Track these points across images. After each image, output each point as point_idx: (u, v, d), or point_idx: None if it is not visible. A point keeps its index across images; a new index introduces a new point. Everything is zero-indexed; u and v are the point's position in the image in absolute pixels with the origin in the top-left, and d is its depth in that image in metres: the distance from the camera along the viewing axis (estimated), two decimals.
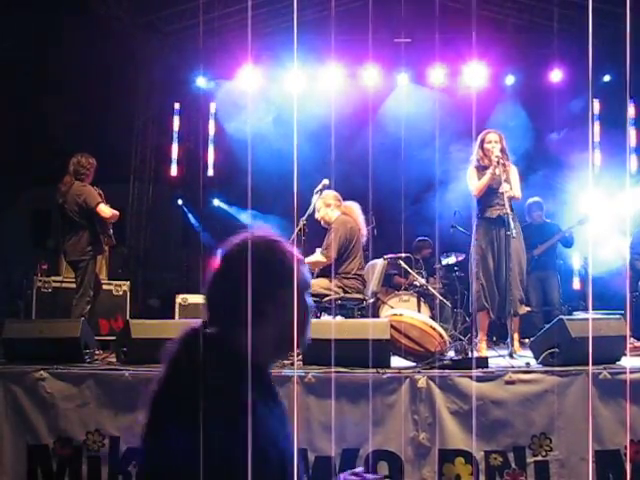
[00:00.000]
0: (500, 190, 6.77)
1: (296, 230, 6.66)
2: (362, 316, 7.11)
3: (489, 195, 6.95)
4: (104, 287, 8.61)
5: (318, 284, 6.99)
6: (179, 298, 8.62)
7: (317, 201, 7.14)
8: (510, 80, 12.29)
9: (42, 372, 5.40)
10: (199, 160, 13.91)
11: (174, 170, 14.05)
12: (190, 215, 14.11)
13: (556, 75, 12.07)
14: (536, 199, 9.56)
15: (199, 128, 14.01)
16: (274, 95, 12.18)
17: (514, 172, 7.06)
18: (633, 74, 10.11)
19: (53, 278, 8.72)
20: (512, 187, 6.89)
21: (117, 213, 7.51)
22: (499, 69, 12.06)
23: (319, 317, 6.97)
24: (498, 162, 6.85)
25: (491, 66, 11.84)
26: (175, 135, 14.06)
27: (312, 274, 7.20)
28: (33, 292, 8.50)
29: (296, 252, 1.98)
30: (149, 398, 1.90)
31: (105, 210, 7.34)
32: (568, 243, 9.42)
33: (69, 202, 7.34)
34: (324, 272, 7.10)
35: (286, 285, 1.90)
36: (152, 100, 13.56)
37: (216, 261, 1.98)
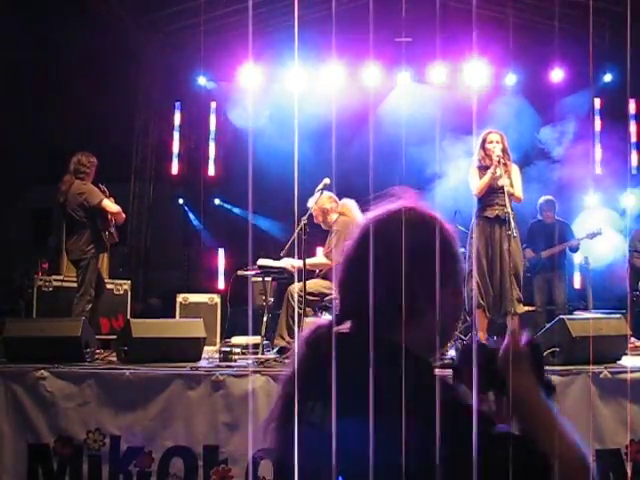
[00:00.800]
0: (499, 184, 6.78)
1: (297, 230, 6.65)
2: None
3: (490, 195, 6.97)
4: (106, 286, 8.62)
5: (320, 284, 7.00)
6: (180, 297, 8.62)
7: (313, 206, 7.11)
8: (511, 79, 12.28)
9: (43, 371, 5.41)
10: (200, 159, 13.93)
11: (175, 169, 14.05)
12: (191, 214, 14.11)
13: (557, 74, 12.06)
14: (548, 197, 9.51)
15: (200, 127, 14.02)
16: (274, 94, 12.18)
17: (516, 172, 7.07)
18: (633, 72, 10.12)
19: (54, 277, 8.73)
20: (514, 187, 6.90)
21: (121, 211, 7.51)
22: (500, 68, 12.06)
23: (320, 316, 6.97)
24: (499, 162, 6.85)
25: (492, 65, 11.84)
26: (176, 134, 14.06)
27: (313, 274, 7.21)
28: (34, 291, 8.50)
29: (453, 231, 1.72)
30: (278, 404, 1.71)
31: (110, 205, 7.36)
32: (575, 250, 9.43)
33: (70, 201, 7.34)
34: (326, 272, 7.11)
35: (448, 273, 1.61)
36: (153, 99, 13.56)
37: (354, 243, 1.70)
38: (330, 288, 6.92)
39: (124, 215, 7.63)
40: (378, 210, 1.70)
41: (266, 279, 7.44)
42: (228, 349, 6.30)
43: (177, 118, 14.02)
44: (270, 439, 1.72)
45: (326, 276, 7.11)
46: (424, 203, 1.71)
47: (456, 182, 8.11)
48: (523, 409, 1.60)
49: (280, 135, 11.22)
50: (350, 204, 7.34)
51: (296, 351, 1.70)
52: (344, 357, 1.55)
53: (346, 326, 1.69)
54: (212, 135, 13.90)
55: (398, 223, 1.60)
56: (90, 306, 7.30)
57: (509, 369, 1.59)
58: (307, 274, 6.62)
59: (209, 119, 13.87)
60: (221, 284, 13.14)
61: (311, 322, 1.74)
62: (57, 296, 8.46)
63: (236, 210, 13.39)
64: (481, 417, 1.45)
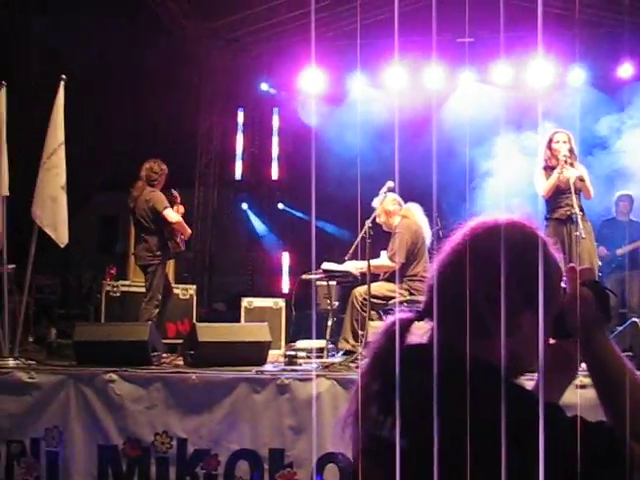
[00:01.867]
0: (566, 175, 6.66)
1: (361, 233, 6.65)
2: None
3: (558, 196, 6.85)
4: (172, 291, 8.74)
5: (384, 287, 6.99)
6: (244, 301, 8.69)
7: (378, 207, 7.11)
8: (577, 76, 12.04)
9: (112, 374, 5.51)
10: (263, 164, 14.04)
11: (238, 174, 14.20)
12: (254, 219, 14.23)
13: (626, 70, 11.79)
14: (626, 192, 9.24)
15: (262, 132, 14.14)
16: (337, 98, 12.20)
17: (584, 172, 6.94)
18: None
19: (121, 282, 8.89)
20: (583, 183, 6.79)
21: (182, 222, 7.58)
22: (565, 65, 11.84)
23: (384, 320, 6.95)
24: (566, 162, 6.74)
25: (556, 62, 11.63)
26: (239, 139, 14.21)
27: (378, 277, 7.20)
28: (102, 296, 8.67)
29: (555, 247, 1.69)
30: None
31: (171, 215, 7.44)
32: None
33: (139, 207, 7.48)
34: (390, 275, 7.10)
35: (548, 287, 1.55)
36: (215, 105, 13.72)
37: (447, 252, 1.68)
38: (394, 291, 6.90)
39: (187, 228, 7.70)
40: (478, 219, 1.68)
41: (330, 283, 7.45)
42: (293, 353, 6.31)
43: (240, 123, 14.17)
44: (346, 435, 1.68)
45: (390, 279, 7.10)
46: (525, 216, 1.68)
47: (523, 184, 8.00)
48: (602, 371, 1.59)
49: (343, 139, 11.24)
50: (414, 208, 7.32)
51: (373, 344, 1.68)
52: (422, 369, 1.53)
53: (421, 325, 1.67)
54: (275, 140, 14.01)
55: (498, 234, 1.57)
56: (157, 311, 7.42)
57: (576, 312, 1.58)
58: (371, 277, 6.62)
59: (271, 124, 13.99)
60: (285, 288, 13.21)
61: (390, 317, 1.71)
62: (124, 301, 8.61)
63: (299, 214, 13.44)
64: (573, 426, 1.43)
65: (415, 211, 7.30)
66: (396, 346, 1.60)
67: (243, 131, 14.17)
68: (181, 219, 7.56)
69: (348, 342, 6.85)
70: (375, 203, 7.09)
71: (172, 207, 7.57)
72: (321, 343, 6.95)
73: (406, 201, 7.44)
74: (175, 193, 7.70)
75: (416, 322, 1.68)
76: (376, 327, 6.00)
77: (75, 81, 6.98)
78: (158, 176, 7.61)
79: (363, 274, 6.83)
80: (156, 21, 12.29)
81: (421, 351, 1.59)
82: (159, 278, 7.43)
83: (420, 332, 1.68)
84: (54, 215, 6.47)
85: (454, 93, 12.19)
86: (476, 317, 1.54)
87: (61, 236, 6.50)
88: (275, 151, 14.09)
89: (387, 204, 7.25)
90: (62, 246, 6.57)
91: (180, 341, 7.54)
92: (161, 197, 7.47)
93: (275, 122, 14.01)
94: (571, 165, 6.79)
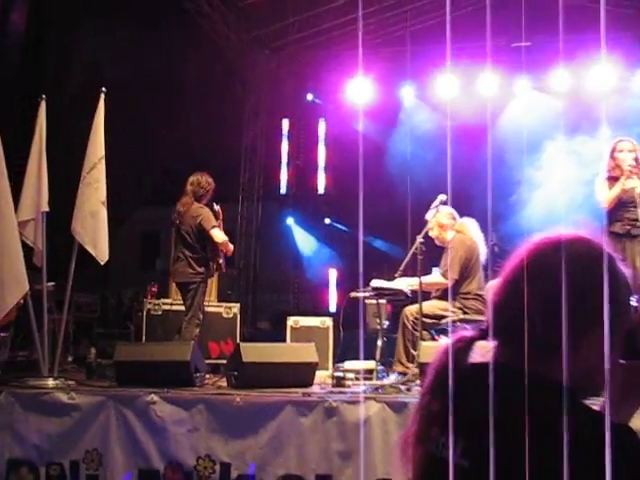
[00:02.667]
0: (630, 185, 6.55)
1: (412, 249, 6.62)
2: None
3: (619, 209, 6.72)
4: (213, 310, 8.77)
5: (436, 305, 6.94)
6: (290, 320, 8.67)
7: (431, 220, 7.08)
8: None
9: (153, 396, 5.54)
10: (309, 177, 14.07)
11: (283, 188, 14.25)
12: (300, 234, 14.25)
13: None
14: None
15: (308, 144, 14.17)
16: (386, 108, 12.19)
17: None
18: None
19: (163, 300, 8.94)
20: None
21: (227, 242, 7.59)
22: (629, 69, 11.65)
23: (437, 340, 6.90)
24: (631, 172, 6.62)
25: (619, 66, 11.45)
26: (284, 151, 14.27)
27: (429, 295, 7.15)
28: (143, 315, 8.73)
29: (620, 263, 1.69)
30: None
31: (218, 235, 7.44)
32: None
33: (185, 223, 7.50)
34: (443, 293, 7.05)
35: (614, 302, 1.54)
36: (260, 117, 13.81)
37: (511, 268, 1.69)
38: (447, 310, 6.84)
39: (231, 247, 7.71)
40: (541, 235, 1.68)
41: (380, 301, 7.40)
42: (341, 374, 6.28)
43: (285, 135, 14.24)
44: (400, 459, 1.69)
45: (443, 297, 7.04)
46: (590, 231, 1.67)
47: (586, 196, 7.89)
48: None
49: (392, 150, 11.24)
50: (469, 223, 7.25)
51: (434, 362, 1.68)
52: (486, 388, 1.51)
53: (484, 344, 1.66)
54: (321, 151, 14.04)
55: (562, 249, 1.57)
56: (199, 330, 7.44)
57: None
58: (423, 295, 6.57)
59: (317, 135, 14.04)
60: (333, 306, 13.19)
61: (455, 334, 1.71)
62: (166, 320, 8.66)
63: (347, 229, 13.43)
64: None
65: (470, 226, 7.24)
66: (459, 365, 1.61)
67: (288, 143, 14.23)
68: (227, 239, 7.58)
69: (402, 364, 6.80)
70: (428, 216, 7.07)
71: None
72: (370, 364, 6.91)
73: (460, 215, 7.38)
74: (217, 208, 7.71)
75: (479, 341, 1.67)
76: (429, 347, 5.95)
77: (117, 95, 7.09)
78: (205, 191, 7.63)
79: (414, 292, 6.79)
80: (199, 32, 12.44)
81: (485, 370, 1.56)
82: (201, 296, 7.45)
83: (483, 351, 1.68)
84: (94, 231, 6.55)
85: (510, 102, 12.07)
86: (542, 336, 1.54)
87: (101, 253, 6.58)
88: (321, 163, 14.13)
89: (441, 217, 7.20)
90: (102, 263, 6.64)
91: (223, 361, 7.55)
92: (210, 215, 7.49)
93: (321, 133, 14.07)
94: (637, 175, 6.67)
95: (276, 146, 14.17)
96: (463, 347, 1.65)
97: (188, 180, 7.64)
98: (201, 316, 7.46)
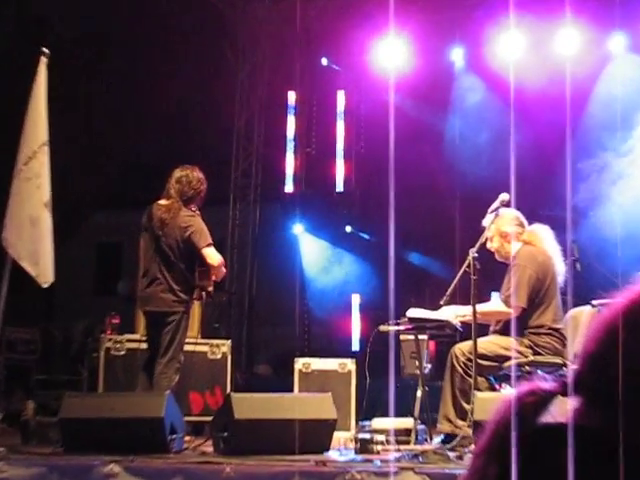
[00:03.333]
0: None
1: (463, 267, 6.57)
2: None
3: None
4: (195, 348, 8.75)
5: (497, 343, 6.88)
6: (299, 363, 8.64)
7: (490, 227, 7.02)
8: None
9: (113, 466, 5.50)
10: (323, 171, 14.05)
11: (289, 186, 14.23)
12: (312, 246, 14.22)
13: None
14: None
15: (323, 125, 14.15)
16: (428, 76, 12.17)
17: None
18: None
19: (127, 336, 8.91)
20: None
21: (223, 264, 7.55)
22: None
23: (498, 390, 6.85)
24: None
25: None
26: (290, 136, 14.24)
27: (487, 329, 7.12)
28: (100, 356, 8.72)
29: None
30: None
31: (212, 255, 7.38)
32: None
33: (169, 234, 7.41)
34: (505, 326, 6.99)
35: None
36: (258, 89, 13.80)
37: (616, 310, 1.75)
38: (511, 349, 6.79)
39: (224, 271, 7.69)
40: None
41: (420, 337, 7.37)
42: (367, 436, 6.26)
43: (290, 115, 14.20)
44: None
45: (505, 331, 6.99)
46: None
47: None
48: None
49: (437, 132, 11.21)
50: (542, 232, 7.17)
51: (494, 416, 1.70)
52: (563, 453, 1.55)
53: (562, 403, 1.69)
54: (339, 135, 14.00)
55: None
56: (178, 377, 7.42)
57: None
58: (479, 329, 6.52)
59: (335, 113, 13.99)
60: (356, 344, 13.16)
61: (523, 386, 1.74)
62: (132, 363, 8.63)
63: (374, 239, 13.39)
64: None
65: (543, 235, 7.16)
66: (527, 425, 1.63)
67: (295, 124, 14.21)
68: (221, 261, 7.53)
69: (450, 422, 6.75)
70: (485, 222, 7.00)
71: None
72: (407, 423, 6.87)
73: (528, 221, 7.34)
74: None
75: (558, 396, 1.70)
76: (487, 400, 5.92)
77: (64, 58, 7.07)
78: (196, 192, 7.53)
79: (467, 324, 6.76)
80: None
81: (563, 434, 1.58)
82: (183, 332, 7.42)
83: (560, 410, 1.70)
84: (34, 243, 6.52)
85: (598, 67, 11.98)
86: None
87: (44, 273, 6.56)
88: (340, 150, 14.08)
89: (503, 224, 7.14)
90: (45, 286, 6.62)
91: (209, 419, 7.53)
92: (203, 227, 7.37)
93: (340, 110, 14.02)
94: None
95: (279, 128, 14.14)
96: (536, 403, 1.67)
97: (172, 176, 7.52)
98: (182, 358, 7.43)
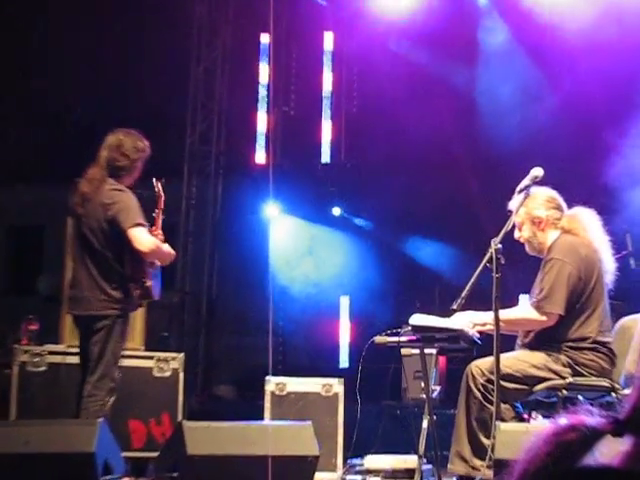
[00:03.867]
0: None
1: (483, 262, 6.53)
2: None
3: None
4: (138, 364, 8.73)
5: (526, 360, 6.86)
6: (271, 383, 8.65)
7: (519, 209, 6.98)
8: None
9: None
10: (304, 137, 14.05)
11: (261, 155, 14.21)
12: (289, 232, 14.21)
13: None
14: None
15: (304, 76, 14.14)
16: (440, 15, 12.17)
17: None
18: None
19: (49, 347, 8.89)
20: None
21: (158, 249, 7.49)
22: None
23: (528, 420, 6.84)
24: None
25: None
26: (262, 92, 14.23)
27: (516, 342, 7.10)
28: (13, 372, 8.69)
29: None
30: None
31: (141, 239, 7.30)
32: None
33: (90, 214, 7.38)
34: (537, 338, 6.98)
35: None
36: (220, 31, 13.78)
37: None
38: (544, 367, 6.78)
39: (168, 251, 7.62)
40: None
41: (427, 351, 7.35)
42: (359, 478, 6.26)
43: (264, 64, 14.19)
44: None
45: (537, 345, 6.97)
46: None
47: None
48: None
49: (450, 87, 11.21)
50: (586, 218, 7.13)
51: (528, 452, 1.73)
52: None
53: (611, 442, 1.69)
54: (326, 88, 13.99)
55: None
56: (113, 400, 7.40)
57: None
58: (503, 341, 6.49)
59: (320, 60, 13.98)
60: (345, 360, 13.18)
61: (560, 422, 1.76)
62: (55, 381, 8.62)
63: (368, 224, 13.38)
64: None
65: (587, 222, 7.12)
66: (568, 466, 1.67)
67: (269, 74, 14.19)
68: (159, 245, 7.46)
69: (464, 460, 6.73)
70: (512, 205, 6.95)
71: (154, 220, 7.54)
72: (409, 461, 6.87)
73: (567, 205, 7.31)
74: (158, 186, 7.66)
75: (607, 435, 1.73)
76: (513, 433, 5.90)
77: None
78: (130, 162, 7.49)
79: (488, 335, 6.73)
80: None
81: (608, 478, 1.63)
82: (116, 342, 7.39)
83: (605, 449, 1.72)
84: None
85: None
86: None
87: None
88: (326, 112, 14.08)
89: (535, 207, 7.10)
90: None
91: (154, 454, 7.52)
92: (132, 203, 7.32)
93: (326, 58, 14.01)
94: None
95: (249, 80, 14.12)
96: (578, 441, 1.70)
97: (104, 142, 7.52)
98: (117, 375, 7.41)
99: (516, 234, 7.08)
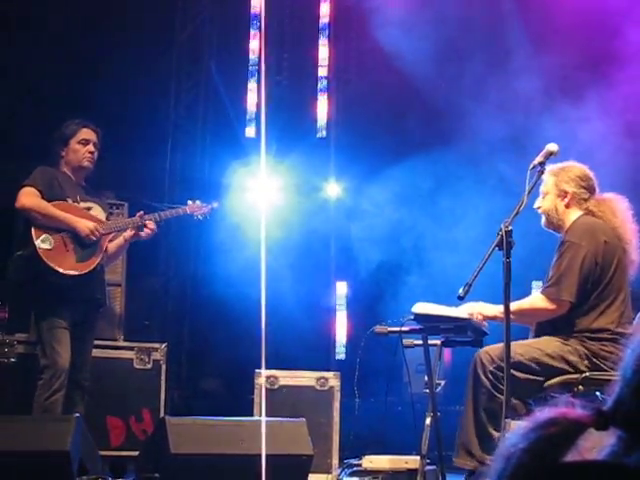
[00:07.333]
0: None
1: (493, 245, 6.52)
2: None
3: None
4: (114, 355, 8.74)
5: (540, 348, 6.86)
6: (262, 377, 8.66)
7: (548, 179, 6.98)
8: None
9: None
10: (300, 109, 14.05)
11: (251, 128, 14.20)
12: (280, 207, 14.19)
13: None
14: None
15: (298, 47, 14.14)
16: None
17: None
18: None
19: (19, 336, 8.88)
20: None
21: (39, 207, 7.64)
22: None
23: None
24: None
25: None
26: (252, 60, 14.23)
27: (530, 333, 7.11)
28: None
29: None
30: None
31: (25, 196, 7.56)
32: None
33: None
34: (553, 325, 6.99)
35: None
36: None
37: None
38: (559, 357, 6.79)
39: (77, 221, 7.74)
40: None
41: (431, 342, 7.35)
42: (356, 479, 6.28)
43: (254, 30, 14.18)
44: None
45: (552, 331, 6.96)
46: None
47: None
48: None
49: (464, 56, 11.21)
50: (617, 204, 7.13)
51: (507, 448, 1.77)
52: None
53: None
54: (322, 56, 13.99)
55: None
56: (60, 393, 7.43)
57: None
58: (515, 331, 6.49)
59: (317, 29, 13.98)
60: (341, 351, 13.18)
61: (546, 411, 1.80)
62: (26, 373, 8.61)
63: (366, 203, 13.37)
64: None
65: (617, 207, 7.11)
66: (546, 461, 1.73)
67: (260, 43, 14.18)
68: (34, 202, 7.63)
69: (471, 455, 6.73)
70: (529, 182, 6.91)
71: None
72: (411, 461, 6.89)
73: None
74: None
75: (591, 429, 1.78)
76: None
77: None
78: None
79: (497, 323, 6.74)
80: None
81: (591, 474, 1.69)
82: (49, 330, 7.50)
83: (588, 444, 1.78)
84: None
85: None
86: None
87: None
88: (322, 82, 14.08)
89: (565, 179, 7.04)
90: None
91: (135, 453, 7.53)
92: (35, 173, 7.63)
93: (323, 22, 13.98)
94: None
95: (238, 47, 14.11)
96: (559, 435, 1.76)
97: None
98: (55, 358, 7.48)
99: (536, 203, 7.08)
